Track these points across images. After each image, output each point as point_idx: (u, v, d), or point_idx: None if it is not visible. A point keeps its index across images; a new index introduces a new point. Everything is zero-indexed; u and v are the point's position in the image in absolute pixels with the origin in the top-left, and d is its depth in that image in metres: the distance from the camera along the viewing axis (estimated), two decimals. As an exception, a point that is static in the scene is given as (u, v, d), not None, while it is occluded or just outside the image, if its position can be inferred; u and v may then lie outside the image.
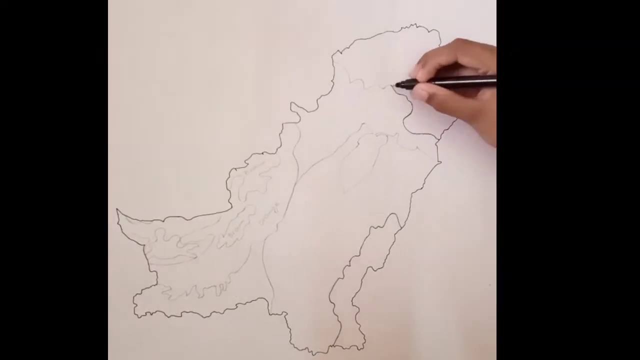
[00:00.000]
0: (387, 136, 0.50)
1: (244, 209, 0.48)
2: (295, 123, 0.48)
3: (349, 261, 0.50)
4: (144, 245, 0.46)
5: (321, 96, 0.48)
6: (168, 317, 0.47)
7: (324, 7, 0.48)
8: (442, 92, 0.45)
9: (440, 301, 0.51)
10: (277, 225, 0.48)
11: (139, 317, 0.46)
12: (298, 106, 0.48)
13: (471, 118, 0.46)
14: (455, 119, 0.50)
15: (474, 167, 0.51)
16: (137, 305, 0.46)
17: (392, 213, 0.50)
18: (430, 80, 0.46)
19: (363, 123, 0.49)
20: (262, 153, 0.48)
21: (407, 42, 0.49)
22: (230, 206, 0.47)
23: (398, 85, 0.48)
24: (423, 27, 0.50)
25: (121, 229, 0.46)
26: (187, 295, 0.47)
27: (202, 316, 0.47)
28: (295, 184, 0.48)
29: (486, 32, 0.48)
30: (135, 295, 0.46)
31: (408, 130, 0.50)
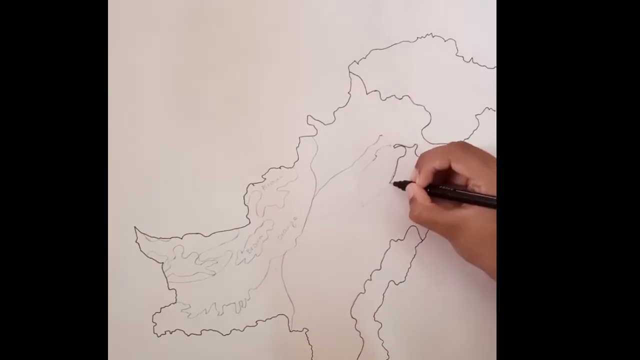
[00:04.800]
0: (405, 147, 0.49)
1: (262, 224, 0.47)
2: (312, 136, 0.48)
3: (370, 275, 0.49)
4: (163, 263, 0.46)
5: (338, 108, 0.48)
6: (188, 335, 0.46)
7: (339, 17, 0.48)
8: (422, 201, 0.45)
9: (465, 313, 0.50)
10: (295, 240, 0.48)
11: (158, 336, 0.46)
12: (315, 119, 0.48)
13: (446, 233, 0.45)
14: (476, 126, 0.49)
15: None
16: (156, 324, 0.46)
17: (412, 225, 0.49)
18: (429, 186, 0.46)
19: (380, 135, 0.49)
20: (280, 167, 0.47)
21: (423, 51, 0.49)
22: (248, 222, 0.47)
23: (395, 184, 0.48)
24: (439, 36, 0.49)
25: (139, 247, 0.45)
26: (206, 313, 0.47)
27: (222, 334, 0.47)
28: (313, 197, 0.48)
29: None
30: (155, 314, 0.46)
31: (427, 141, 0.49)
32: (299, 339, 0.48)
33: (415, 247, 0.49)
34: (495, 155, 0.44)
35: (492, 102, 0.49)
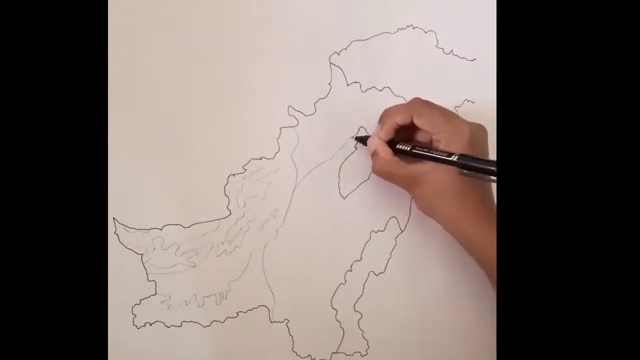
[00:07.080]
0: (385, 139, 0.49)
1: (243, 215, 0.47)
2: (293, 127, 0.48)
3: (351, 266, 0.49)
4: (142, 254, 0.45)
5: (319, 99, 0.48)
6: (168, 327, 0.46)
7: (320, 8, 0.48)
8: (383, 155, 0.46)
9: (444, 304, 0.50)
10: (276, 231, 0.48)
11: (138, 328, 0.45)
12: (295, 110, 0.48)
13: (406, 186, 0.46)
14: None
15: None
16: (136, 316, 0.45)
17: (392, 216, 0.50)
18: (392, 141, 0.46)
19: (361, 126, 0.49)
20: (260, 158, 0.47)
21: (403, 43, 0.49)
22: (229, 213, 0.47)
23: (356, 139, 0.48)
24: (420, 28, 0.49)
25: (118, 239, 0.45)
26: (186, 304, 0.46)
27: (202, 325, 0.47)
28: (294, 189, 0.48)
29: (484, 32, 0.47)
30: (134, 305, 0.45)
31: (407, 132, 0.49)
32: (280, 330, 0.48)
33: (395, 238, 0.50)
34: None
35: (471, 94, 0.50)
